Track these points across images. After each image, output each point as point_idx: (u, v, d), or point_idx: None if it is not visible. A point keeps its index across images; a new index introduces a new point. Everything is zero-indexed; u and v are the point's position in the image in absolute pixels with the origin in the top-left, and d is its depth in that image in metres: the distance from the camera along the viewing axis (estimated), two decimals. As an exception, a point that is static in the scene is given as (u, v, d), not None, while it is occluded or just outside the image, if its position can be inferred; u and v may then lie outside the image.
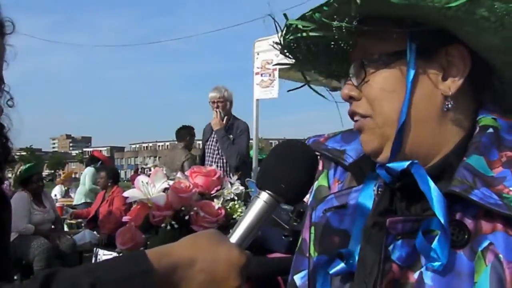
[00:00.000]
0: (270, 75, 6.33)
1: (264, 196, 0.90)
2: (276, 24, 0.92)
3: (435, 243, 0.82)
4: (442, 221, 0.80)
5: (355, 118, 0.94)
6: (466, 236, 0.82)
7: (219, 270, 0.85)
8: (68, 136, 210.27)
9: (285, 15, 0.90)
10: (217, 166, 5.45)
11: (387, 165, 0.89)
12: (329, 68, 1.06)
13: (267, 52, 6.17)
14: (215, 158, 5.62)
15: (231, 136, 5.58)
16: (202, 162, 5.66)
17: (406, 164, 0.86)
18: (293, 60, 1.03)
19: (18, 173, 6.48)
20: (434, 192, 0.82)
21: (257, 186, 0.94)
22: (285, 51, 0.99)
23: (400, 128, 0.88)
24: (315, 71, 1.08)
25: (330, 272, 0.97)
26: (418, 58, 0.87)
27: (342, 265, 0.96)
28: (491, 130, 0.88)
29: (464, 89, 0.89)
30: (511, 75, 0.92)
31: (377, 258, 0.89)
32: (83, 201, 9.22)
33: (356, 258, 0.95)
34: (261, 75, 6.34)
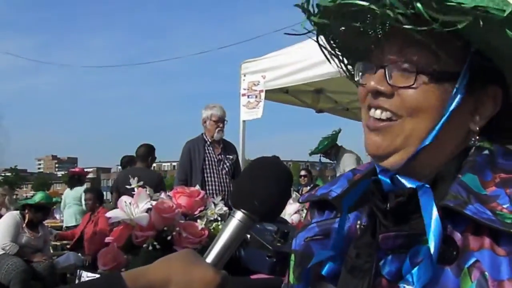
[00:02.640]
0: (256, 96, 6.36)
1: (238, 215, 0.90)
2: None
3: (414, 270, 0.82)
4: (434, 255, 0.80)
5: (377, 114, 0.89)
6: (454, 253, 0.82)
7: None
8: (54, 157, 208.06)
9: None
10: (222, 184, 5.42)
11: (398, 177, 0.88)
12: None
13: (254, 74, 6.22)
14: (220, 176, 5.55)
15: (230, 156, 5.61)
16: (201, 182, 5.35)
17: (416, 184, 0.85)
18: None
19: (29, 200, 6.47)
20: (434, 222, 0.81)
21: (232, 205, 0.94)
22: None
23: (422, 147, 0.87)
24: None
25: (323, 272, 0.97)
26: (466, 86, 0.86)
27: (330, 264, 0.96)
28: (486, 152, 0.89)
29: None
30: None
31: (368, 272, 0.89)
32: (79, 222, 9.06)
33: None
34: (248, 96, 6.38)
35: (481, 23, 0.77)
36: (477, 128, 0.89)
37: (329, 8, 0.86)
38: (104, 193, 9.64)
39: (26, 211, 6.48)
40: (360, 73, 0.95)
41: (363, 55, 0.96)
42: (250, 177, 0.94)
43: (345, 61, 1.05)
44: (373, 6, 0.80)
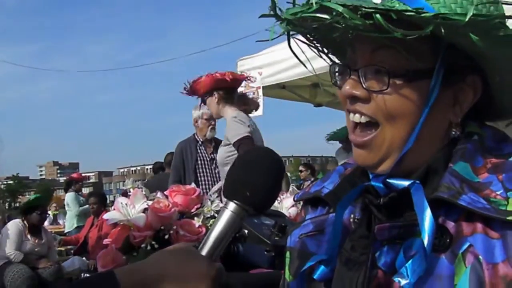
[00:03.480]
0: (254, 93, 6.35)
1: (231, 206, 0.91)
2: None
3: (409, 263, 0.82)
4: (427, 248, 0.80)
5: (356, 118, 0.90)
6: (448, 240, 0.83)
7: (189, 283, 0.86)
8: (55, 163, 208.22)
9: None
10: (216, 183, 5.30)
11: (389, 181, 0.89)
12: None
13: (250, 71, 6.21)
14: (213, 175, 5.45)
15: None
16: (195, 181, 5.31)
17: (407, 183, 0.86)
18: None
19: (23, 203, 6.48)
20: (427, 217, 0.82)
21: (224, 197, 0.95)
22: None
23: (407, 148, 0.88)
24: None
25: (314, 277, 0.97)
26: (442, 82, 0.86)
27: (323, 268, 0.96)
28: (476, 137, 0.89)
29: None
30: (509, 95, 0.93)
31: (364, 264, 0.89)
32: (75, 226, 9.12)
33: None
34: (245, 93, 6.37)
35: (442, 30, 0.77)
36: (459, 120, 0.90)
37: (293, 20, 0.86)
38: (107, 196, 9.71)
39: (25, 217, 6.49)
40: (337, 74, 0.95)
41: (343, 52, 0.95)
42: (241, 168, 0.94)
43: (330, 54, 1.04)
44: (333, 20, 0.80)
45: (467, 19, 0.75)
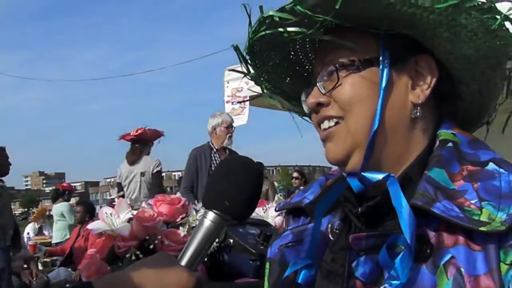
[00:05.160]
0: (240, 102, 6.36)
1: (210, 215, 0.91)
2: (250, 17, 0.90)
3: (397, 260, 0.81)
4: (409, 240, 0.79)
5: (325, 125, 0.93)
6: (428, 251, 0.82)
7: None
8: (41, 173, 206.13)
9: (260, 7, 0.88)
10: None
11: (363, 174, 0.88)
12: (282, 82, 1.06)
13: (237, 80, 6.21)
14: None
15: None
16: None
17: (382, 175, 0.85)
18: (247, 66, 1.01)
19: None
20: (405, 209, 0.81)
21: (203, 206, 0.94)
22: (247, 51, 0.97)
23: (373, 134, 0.88)
24: (266, 84, 1.06)
25: (298, 280, 0.96)
26: (391, 66, 0.88)
27: (305, 271, 0.96)
28: (450, 144, 0.89)
29: (430, 101, 0.91)
30: (472, 90, 0.94)
31: (341, 275, 0.89)
32: (68, 237, 8.99)
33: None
34: (232, 103, 6.38)
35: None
36: (420, 101, 0.90)
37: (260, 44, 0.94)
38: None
39: None
40: (305, 99, 0.98)
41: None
42: (220, 177, 0.94)
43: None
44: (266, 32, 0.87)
45: None
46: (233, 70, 1.01)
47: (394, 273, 0.81)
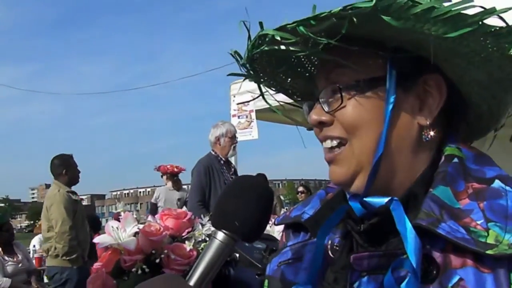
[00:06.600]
0: (247, 116, 6.39)
1: (220, 235, 0.90)
2: (249, 32, 0.88)
3: (403, 285, 0.78)
4: (415, 265, 0.77)
5: (327, 144, 0.91)
6: (434, 272, 0.80)
7: None
8: (48, 186, 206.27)
9: (260, 23, 0.86)
10: None
11: (366, 199, 0.86)
12: (284, 82, 1.05)
13: (243, 94, 6.26)
14: None
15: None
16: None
17: (385, 200, 0.83)
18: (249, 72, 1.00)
19: None
20: (410, 234, 0.79)
21: (213, 226, 0.94)
22: (246, 62, 0.95)
23: (378, 158, 0.85)
24: (267, 83, 1.05)
25: None
26: (397, 86, 0.85)
27: None
28: (456, 160, 0.87)
29: (435, 117, 0.89)
30: (480, 110, 0.91)
31: None
32: None
33: None
34: (238, 117, 6.41)
35: (355, 20, 0.76)
36: (428, 123, 0.88)
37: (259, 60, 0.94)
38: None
39: None
40: (307, 112, 0.97)
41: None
42: (230, 196, 0.93)
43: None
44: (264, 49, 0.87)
45: (373, 4, 0.74)
46: (234, 74, 1.00)
47: None
